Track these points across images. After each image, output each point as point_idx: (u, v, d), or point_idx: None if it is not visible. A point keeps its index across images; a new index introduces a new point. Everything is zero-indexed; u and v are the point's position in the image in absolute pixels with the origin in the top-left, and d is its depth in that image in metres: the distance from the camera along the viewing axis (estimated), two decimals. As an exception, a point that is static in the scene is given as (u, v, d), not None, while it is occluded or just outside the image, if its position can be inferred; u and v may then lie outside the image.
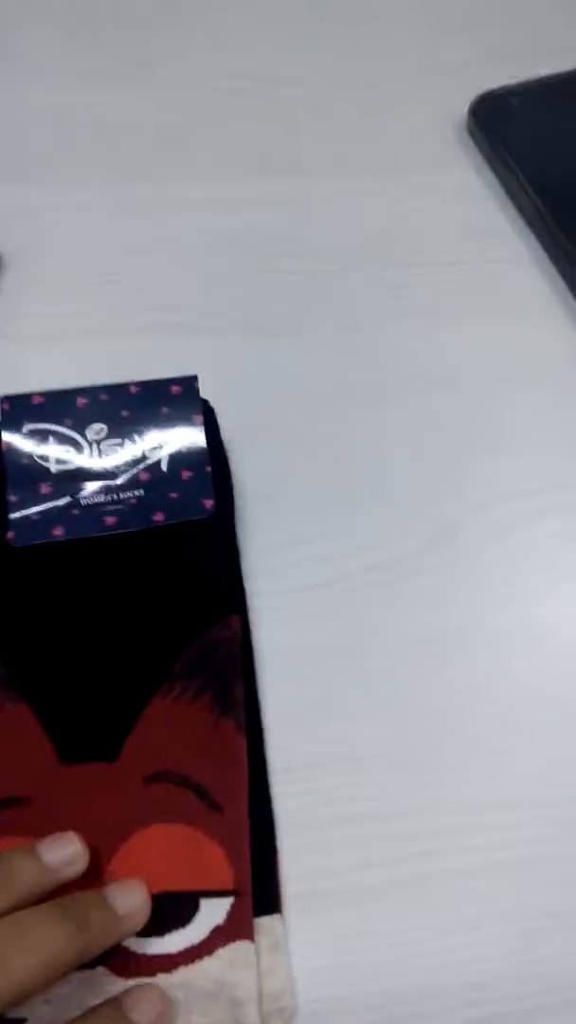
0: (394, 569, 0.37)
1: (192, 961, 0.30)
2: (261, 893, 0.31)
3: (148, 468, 0.36)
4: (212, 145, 0.47)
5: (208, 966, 0.30)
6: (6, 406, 0.36)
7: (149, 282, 0.43)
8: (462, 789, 0.34)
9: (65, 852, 0.29)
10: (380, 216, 0.46)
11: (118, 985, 0.29)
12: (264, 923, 0.31)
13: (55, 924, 0.26)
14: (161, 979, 0.29)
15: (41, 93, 0.48)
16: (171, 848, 0.31)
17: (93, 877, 0.30)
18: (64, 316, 0.42)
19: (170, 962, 0.30)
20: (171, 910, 0.30)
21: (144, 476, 0.36)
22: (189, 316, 0.42)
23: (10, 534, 0.35)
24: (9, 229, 0.44)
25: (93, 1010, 0.28)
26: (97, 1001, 0.29)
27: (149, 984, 0.29)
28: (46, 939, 0.26)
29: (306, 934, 0.31)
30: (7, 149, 0.46)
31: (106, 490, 0.35)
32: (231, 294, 0.43)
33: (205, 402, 0.37)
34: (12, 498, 0.35)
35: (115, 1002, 0.28)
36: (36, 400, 0.36)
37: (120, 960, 0.30)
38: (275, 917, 0.31)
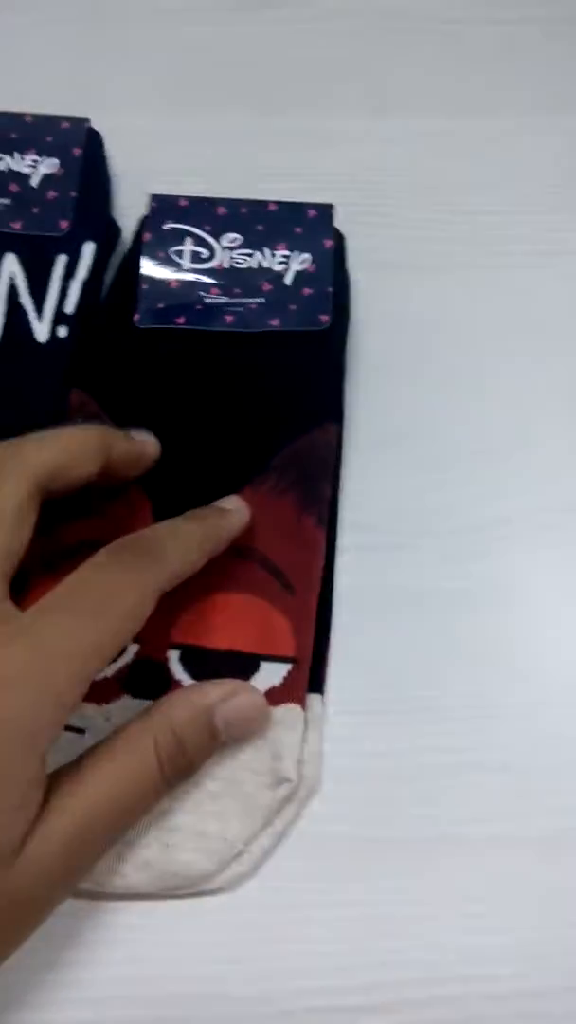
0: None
1: (246, 712, 0.31)
2: (311, 672, 0.32)
3: (272, 279, 0.37)
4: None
5: (259, 719, 0.31)
6: (155, 204, 0.38)
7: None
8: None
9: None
10: None
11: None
12: (309, 698, 0.32)
13: (192, 521, 0.32)
14: (216, 720, 0.31)
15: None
16: (242, 614, 0.33)
17: (164, 625, 0.32)
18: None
19: (226, 708, 0.31)
20: (235, 666, 0.32)
21: (267, 286, 0.37)
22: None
23: (136, 316, 0.37)
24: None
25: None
26: None
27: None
28: (192, 532, 0.31)
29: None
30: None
31: (230, 293, 0.37)
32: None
33: (336, 230, 0.38)
34: (144, 286, 0.37)
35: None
36: (182, 203, 0.38)
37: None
38: (317, 696, 0.33)
